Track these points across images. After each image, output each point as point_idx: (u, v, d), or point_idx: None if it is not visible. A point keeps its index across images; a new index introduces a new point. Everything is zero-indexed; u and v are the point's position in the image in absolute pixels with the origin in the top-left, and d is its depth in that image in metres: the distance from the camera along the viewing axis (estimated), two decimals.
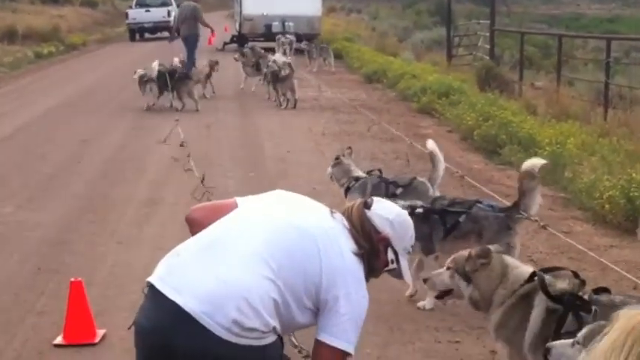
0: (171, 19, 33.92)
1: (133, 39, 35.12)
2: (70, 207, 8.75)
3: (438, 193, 6.42)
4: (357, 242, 3.07)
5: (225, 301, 2.78)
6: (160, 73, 15.29)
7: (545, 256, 6.84)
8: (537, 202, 5.60)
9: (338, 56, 24.29)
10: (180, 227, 7.80)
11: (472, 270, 3.92)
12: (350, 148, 7.19)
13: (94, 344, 5.27)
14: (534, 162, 5.60)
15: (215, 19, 33.53)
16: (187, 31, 19.42)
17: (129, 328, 2.99)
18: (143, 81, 15.23)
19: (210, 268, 2.86)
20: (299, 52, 24.13)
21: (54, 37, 30.47)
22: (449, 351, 5.19)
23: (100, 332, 5.38)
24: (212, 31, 22.81)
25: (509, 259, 4.00)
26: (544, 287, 3.68)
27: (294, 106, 15.62)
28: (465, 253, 4.02)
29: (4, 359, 5.14)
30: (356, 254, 3.03)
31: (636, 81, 15.47)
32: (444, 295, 4.20)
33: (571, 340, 2.97)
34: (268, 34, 27.41)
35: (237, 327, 2.77)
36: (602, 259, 6.68)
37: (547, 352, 3.02)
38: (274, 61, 16.94)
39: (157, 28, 35.22)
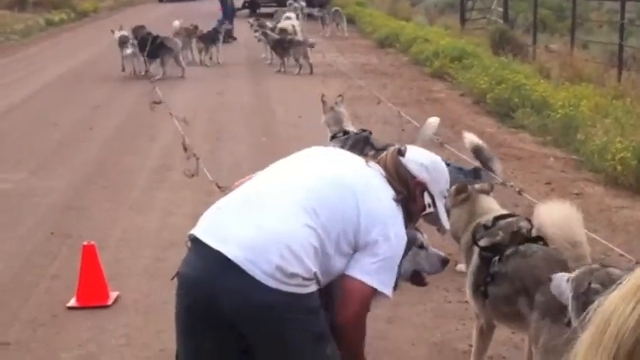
0: None
1: (161, 0, 39.27)
2: (82, 173, 8.80)
3: None
4: (394, 188, 3.13)
5: (268, 248, 2.84)
6: (143, 40, 15.11)
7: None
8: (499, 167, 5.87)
9: (350, 21, 24.13)
10: (190, 193, 7.88)
11: (451, 205, 4.15)
12: (341, 95, 7.29)
13: (107, 306, 5.34)
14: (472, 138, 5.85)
15: None
16: None
17: (172, 279, 3.01)
18: (121, 44, 15.08)
19: (252, 218, 2.91)
20: (312, 17, 23.97)
21: (65, 4, 30.35)
22: (458, 311, 5.22)
23: (113, 295, 5.45)
24: None
25: (486, 204, 4.19)
26: (473, 236, 3.96)
27: (311, 72, 15.54)
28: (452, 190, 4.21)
29: (19, 322, 5.22)
30: (394, 200, 3.08)
31: None
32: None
33: (567, 275, 3.20)
34: (280, 0, 27.22)
35: (280, 273, 2.82)
36: (613, 220, 6.67)
37: (549, 280, 3.27)
38: (273, 29, 16.98)
39: None
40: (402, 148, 3.30)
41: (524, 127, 10.40)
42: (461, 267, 5.82)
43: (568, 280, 3.18)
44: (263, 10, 28.18)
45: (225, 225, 2.93)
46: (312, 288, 2.91)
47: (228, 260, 2.82)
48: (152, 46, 14.98)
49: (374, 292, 3.02)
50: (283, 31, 17.38)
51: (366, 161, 3.22)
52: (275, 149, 9.01)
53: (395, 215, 3.07)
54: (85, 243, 5.42)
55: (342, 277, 3.02)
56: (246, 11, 28.80)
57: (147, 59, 15.13)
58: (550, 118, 10.06)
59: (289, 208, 2.94)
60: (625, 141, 8.09)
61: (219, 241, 2.87)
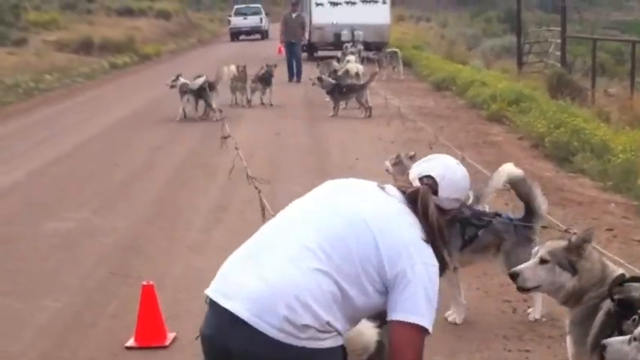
0: (263, 24, 45.25)
1: (232, 40, 44.47)
2: (142, 213, 8.94)
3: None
4: (421, 224, 2.97)
5: (274, 300, 2.77)
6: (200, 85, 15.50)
7: (619, 266, 6.68)
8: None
9: (406, 64, 24.23)
10: (249, 233, 7.93)
11: (578, 257, 3.70)
12: (415, 154, 7.22)
13: (164, 347, 5.38)
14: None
15: None
16: (295, 38, 22.18)
17: (196, 339, 3.07)
18: (182, 91, 15.46)
19: (258, 270, 2.86)
20: (368, 60, 24.16)
21: (128, 48, 31.13)
22: None
23: (171, 335, 5.49)
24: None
25: (608, 262, 3.82)
26: (611, 288, 3.57)
27: (369, 115, 15.63)
28: (561, 243, 3.78)
29: None
30: (423, 240, 2.93)
31: None
32: (530, 289, 3.94)
33: (628, 337, 2.94)
34: (337, 43, 27.54)
35: (290, 325, 2.75)
36: None
37: (603, 348, 2.98)
38: (336, 70, 17.33)
39: (251, 31, 45.32)
40: (435, 186, 3.06)
41: (584, 172, 10.25)
42: (534, 314, 5.61)
43: (630, 341, 2.94)
44: (320, 53, 28.53)
45: (234, 279, 2.90)
46: (330, 342, 2.81)
47: (235, 317, 2.80)
48: (198, 90, 15.40)
49: (423, 332, 2.85)
50: (346, 73, 17.63)
51: (383, 188, 3.07)
52: None
53: (418, 242, 2.92)
54: (144, 283, 5.49)
55: (389, 325, 2.89)
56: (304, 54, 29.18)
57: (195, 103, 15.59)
58: (610, 162, 9.90)
59: (296, 254, 2.84)
60: None
61: (226, 298, 2.86)
